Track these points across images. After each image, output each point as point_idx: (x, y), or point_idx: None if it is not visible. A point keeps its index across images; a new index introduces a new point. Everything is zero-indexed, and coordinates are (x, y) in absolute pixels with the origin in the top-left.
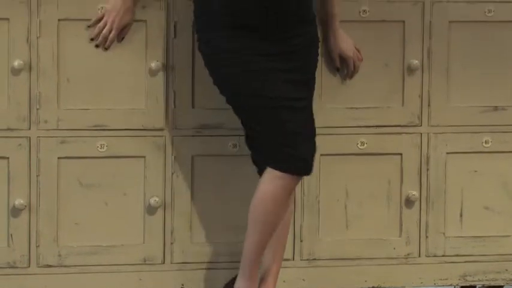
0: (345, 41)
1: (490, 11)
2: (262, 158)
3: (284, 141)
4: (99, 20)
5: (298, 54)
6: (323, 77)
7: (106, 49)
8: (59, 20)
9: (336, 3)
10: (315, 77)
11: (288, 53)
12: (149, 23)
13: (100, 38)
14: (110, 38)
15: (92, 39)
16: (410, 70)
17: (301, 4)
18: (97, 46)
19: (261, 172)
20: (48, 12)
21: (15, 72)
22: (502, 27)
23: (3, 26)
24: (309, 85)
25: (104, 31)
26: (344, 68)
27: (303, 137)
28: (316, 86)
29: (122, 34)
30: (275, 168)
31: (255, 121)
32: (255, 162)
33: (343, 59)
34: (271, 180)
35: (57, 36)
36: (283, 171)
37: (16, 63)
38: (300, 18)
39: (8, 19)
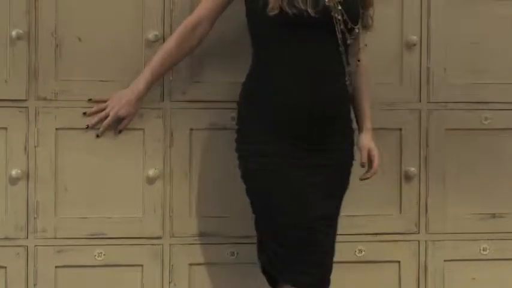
0: (373, 142)
1: (486, 119)
2: (279, 272)
3: (305, 260)
4: (100, 108)
5: (334, 168)
6: None
7: (98, 136)
8: (56, 129)
9: (369, 104)
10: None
11: (323, 167)
12: (147, 131)
13: (95, 120)
14: (104, 124)
15: (87, 126)
16: (408, 177)
17: (341, 115)
18: (87, 127)
19: (271, 282)
20: (46, 121)
21: (13, 181)
22: (499, 134)
23: (1, 135)
24: (337, 203)
25: (101, 114)
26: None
27: (321, 255)
28: None
29: (120, 126)
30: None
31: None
32: (265, 272)
33: (369, 157)
34: None
35: (55, 145)
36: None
37: (14, 172)
38: (340, 131)
39: (6, 128)
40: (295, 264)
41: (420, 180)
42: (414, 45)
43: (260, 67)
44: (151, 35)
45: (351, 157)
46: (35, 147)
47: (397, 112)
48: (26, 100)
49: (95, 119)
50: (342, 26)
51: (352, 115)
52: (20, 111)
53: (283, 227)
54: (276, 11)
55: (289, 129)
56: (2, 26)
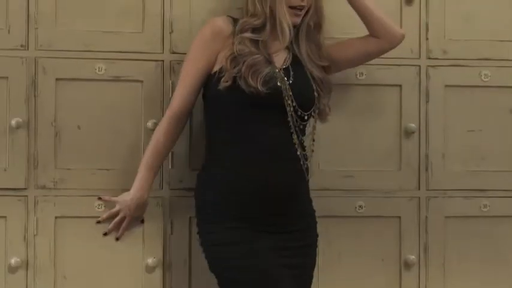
0: None
1: (485, 206)
2: None
3: None
4: (112, 214)
5: (298, 250)
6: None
7: (117, 239)
8: (55, 217)
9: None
10: (312, 277)
11: (287, 249)
12: (146, 222)
13: (111, 226)
14: (123, 227)
15: (105, 234)
16: (407, 265)
17: (299, 197)
18: (105, 234)
19: None
20: (45, 210)
21: (12, 270)
22: (498, 222)
23: (1, 224)
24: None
25: (116, 219)
26: None
27: None
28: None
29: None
30: None
31: None
32: None
33: None
34: None
35: (54, 234)
36: None
37: (13, 261)
38: (299, 212)
39: (5, 217)
40: None
41: (420, 268)
42: (413, 132)
43: (213, 149)
44: (150, 123)
45: (312, 237)
46: (34, 235)
47: (396, 200)
48: (25, 189)
49: (111, 225)
50: (292, 111)
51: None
52: (19, 200)
53: None
54: (229, 83)
55: (242, 212)
56: (2, 114)
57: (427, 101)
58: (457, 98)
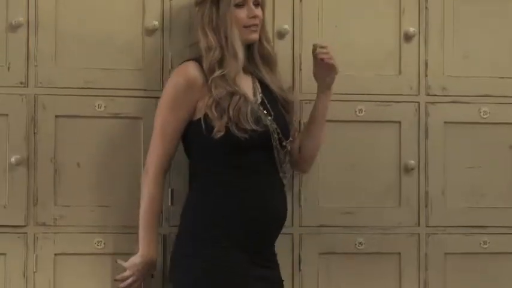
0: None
1: (485, 243)
2: None
3: None
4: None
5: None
6: None
7: None
8: (55, 254)
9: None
10: None
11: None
12: None
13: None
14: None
15: None
16: None
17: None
18: None
19: None
20: (45, 247)
21: None
22: (499, 259)
23: (0, 261)
24: None
25: (129, 281)
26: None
27: None
28: None
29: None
30: None
31: None
32: None
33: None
34: None
35: (54, 271)
36: None
37: None
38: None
39: (4, 254)
40: None
41: None
42: (412, 169)
43: (201, 189)
44: None
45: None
46: (33, 272)
47: (396, 236)
48: (25, 226)
49: (123, 285)
50: (277, 143)
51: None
52: (18, 237)
53: None
54: (221, 133)
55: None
56: (2, 151)
57: (427, 138)
58: (457, 134)
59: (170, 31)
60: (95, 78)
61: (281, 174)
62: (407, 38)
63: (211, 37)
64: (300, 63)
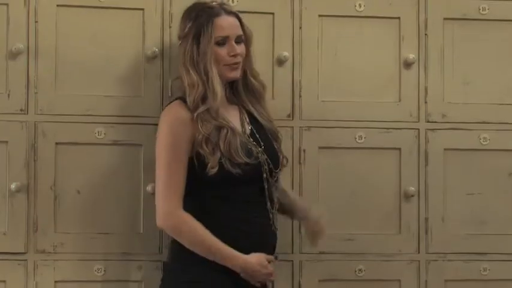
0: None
1: (485, 270)
2: None
3: None
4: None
5: None
6: None
7: None
8: (55, 281)
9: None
10: None
11: None
12: (145, 283)
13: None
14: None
15: None
16: None
17: None
18: None
19: None
20: (45, 274)
21: None
22: (499, 286)
23: None
24: None
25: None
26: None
27: None
28: None
29: None
30: None
31: None
32: None
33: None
34: None
35: None
36: None
37: None
38: None
39: (4, 281)
40: None
41: None
42: (412, 196)
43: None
44: (150, 187)
45: None
46: None
47: (396, 263)
48: (25, 253)
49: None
50: (268, 174)
51: None
52: (18, 264)
53: None
54: (215, 170)
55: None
56: (1, 178)
57: (427, 164)
58: (457, 161)
59: (170, 58)
60: (95, 105)
61: (269, 204)
62: (407, 64)
63: (193, 73)
64: (300, 90)
